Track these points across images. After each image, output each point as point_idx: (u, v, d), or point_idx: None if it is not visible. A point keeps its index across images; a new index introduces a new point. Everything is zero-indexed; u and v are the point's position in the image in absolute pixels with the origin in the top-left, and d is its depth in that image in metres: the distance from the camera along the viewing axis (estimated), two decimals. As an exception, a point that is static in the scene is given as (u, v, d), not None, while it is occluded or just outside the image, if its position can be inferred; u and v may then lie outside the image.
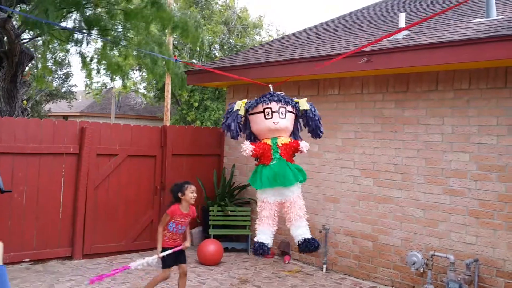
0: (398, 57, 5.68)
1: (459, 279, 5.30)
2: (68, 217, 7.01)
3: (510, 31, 4.87)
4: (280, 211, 4.32)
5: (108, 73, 11.02)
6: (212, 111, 19.22)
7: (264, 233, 4.18)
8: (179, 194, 5.09)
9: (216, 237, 7.59)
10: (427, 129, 5.96)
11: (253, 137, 4.36)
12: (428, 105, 5.96)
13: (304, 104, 4.34)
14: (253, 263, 7.16)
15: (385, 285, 6.25)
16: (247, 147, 4.11)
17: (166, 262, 5.10)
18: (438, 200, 5.82)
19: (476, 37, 5.05)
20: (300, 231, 4.20)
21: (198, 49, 19.92)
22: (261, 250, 4.14)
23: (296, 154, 4.36)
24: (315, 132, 4.43)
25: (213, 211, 7.76)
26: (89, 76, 12.63)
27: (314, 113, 4.38)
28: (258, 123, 4.20)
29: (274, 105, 4.14)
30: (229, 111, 4.31)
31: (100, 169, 7.26)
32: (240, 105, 4.23)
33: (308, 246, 4.17)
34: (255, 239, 4.23)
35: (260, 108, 4.16)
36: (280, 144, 4.17)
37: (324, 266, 6.85)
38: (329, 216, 6.95)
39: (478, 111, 5.55)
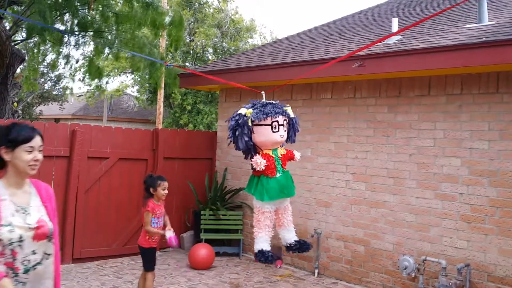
0: (391, 61, 5.69)
1: (450, 284, 5.30)
2: (58, 221, 6.92)
3: (502, 36, 4.88)
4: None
5: (92, 79, 10.96)
6: (205, 115, 19.18)
7: (266, 241, 4.25)
8: (151, 190, 5.12)
9: (208, 241, 7.53)
10: (419, 134, 5.97)
11: (252, 147, 4.30)
12: (420, 110, 5.97)
13: (290, 111, 4.38)
14: (244, 268, 7.12)
15: (377, 290, 6.24)
16: (261, 162, 4.08)
17: (153, 264, 5.25)
18: (429, 205, 5.82)
19: (468, 43, 5.06)
20: (292, 235, 4.35)
21: (191, 51, 19.89)
22: (269, 257, 4.19)
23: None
24: (291, 139, 4.48)
25: (204, 215, 7.72)
26: (72, 78, 12.58)
27: (297, 122, 4.42)
28: (265, 135, 4.16)
29: (280, 119, 4.15)
30: (238, 121, 4.17)
31: (91, 172, 7.20)
32: (248, 116, 4.17)
33: (303, 246, 4.30)
34: (259, 248, 4.22)
35: (268, 120, 4.13)
36: (280, 156, 4.22)
37: (316, 271, 6.83)
38: (321, 221, 6.93)
39: (470, 116, 5.56)
